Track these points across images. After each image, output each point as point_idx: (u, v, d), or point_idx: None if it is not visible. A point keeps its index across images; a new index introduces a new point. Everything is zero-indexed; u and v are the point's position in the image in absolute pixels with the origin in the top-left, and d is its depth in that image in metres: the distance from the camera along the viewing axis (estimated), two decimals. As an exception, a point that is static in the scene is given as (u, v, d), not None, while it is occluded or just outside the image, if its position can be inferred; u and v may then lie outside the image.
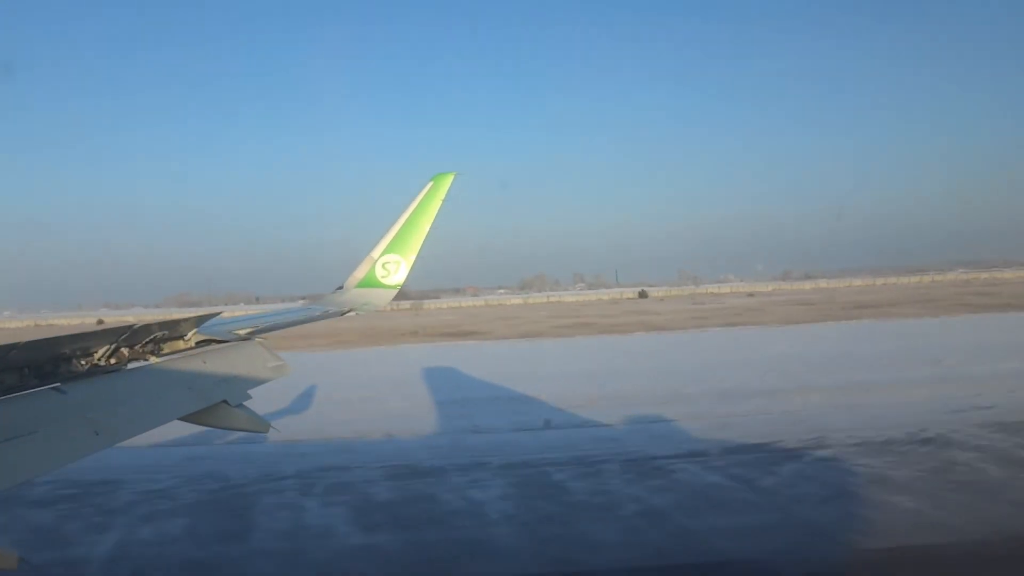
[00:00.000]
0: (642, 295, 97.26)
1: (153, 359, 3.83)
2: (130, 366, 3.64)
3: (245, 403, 4.19)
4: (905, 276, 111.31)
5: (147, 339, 3.79)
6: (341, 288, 7.44)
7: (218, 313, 4.44)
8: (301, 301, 8.24)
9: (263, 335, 5.05)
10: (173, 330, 4.03)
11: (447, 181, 7.32)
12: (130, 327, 3.52)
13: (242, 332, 4.89)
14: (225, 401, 3.99)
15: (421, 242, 7.31)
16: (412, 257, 7.33)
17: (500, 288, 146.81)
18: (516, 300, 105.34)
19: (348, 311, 6.89)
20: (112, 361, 3.51)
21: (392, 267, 7.35)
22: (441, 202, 7.27)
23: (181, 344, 4.24)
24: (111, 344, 3.45)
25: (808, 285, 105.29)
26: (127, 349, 3.64)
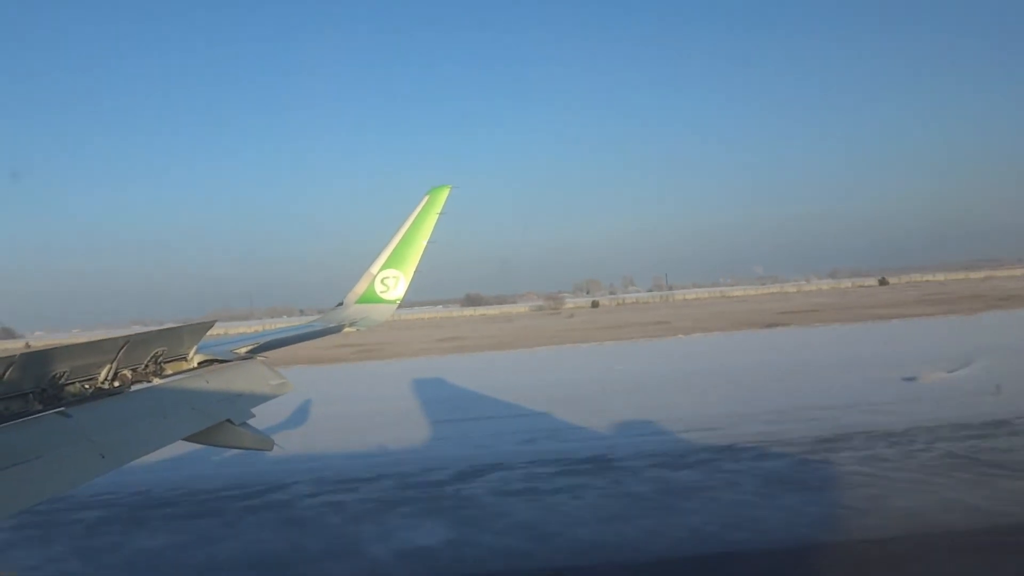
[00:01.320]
0: (882, 283, 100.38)
1: (156, 380, 3.86)
2: (134, 388, 3.67)
3: (248, 421, 4.22)
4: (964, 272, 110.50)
5: (147, 356, 3.81)
6: (341, 304, 7.47)
7: (213, 323, 4.46)
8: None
9: (264, 353, 5.09)
10: (171, 345, 4.05)
11: (443, 194, 7.37)
12: (127, 340, 3.54)
13: (243, 351, 4.92)
14: (229, 420, 4.02)
15: (419, 256, 7.34)
16: (411, 272, 7.36)
17: (561, 292, 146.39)
18: (741, 292, 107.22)
19: (347, 326, 6.91)
20: (116, 384, 3.54)
21: (391, 282, 7.39)
22: (437, 215, 7.31)
23: (184, 364, 4.26)
24: (110, 359, 3.47)
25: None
26: (130, 371, 3.67)
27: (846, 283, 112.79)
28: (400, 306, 7.55)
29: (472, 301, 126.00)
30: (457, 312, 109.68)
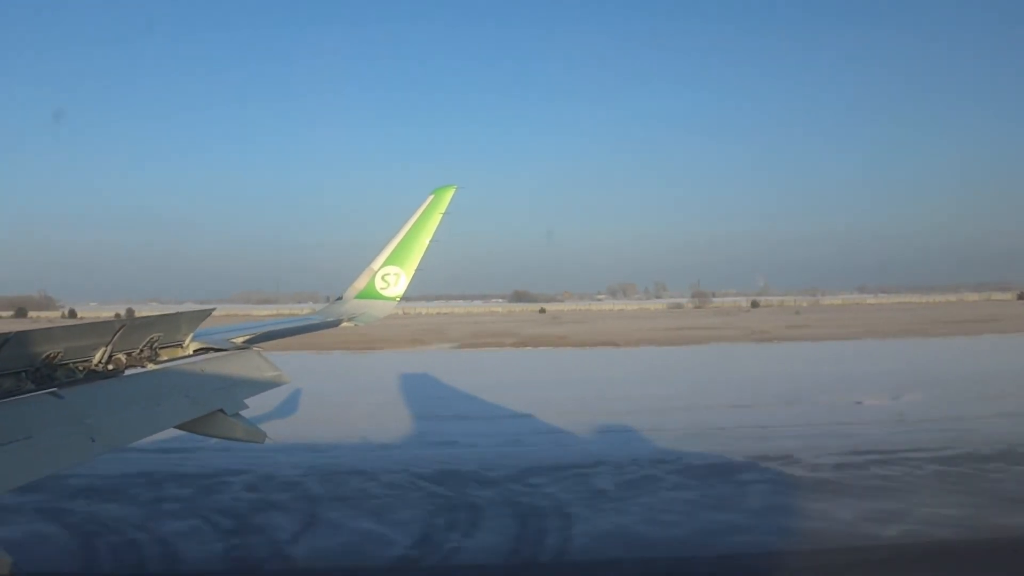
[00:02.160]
0: (1022, 297, 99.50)
1: (151, 366, 3.84)
2: (128, 372, 3.65)
3: (241, 412, 4.19)
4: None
5: (143, 341, 3.79)
6: (341, 298, 7.47)
7: (212, 310, 4.43)
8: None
9: (260, 344, 5.07)
10: (168, 331, 4.02)
11: (448, 195, 7.36)
12: (123, 323, 3.52)
13: (240, 340, 4.90)
14: (222, 410, 3.99)
15: (421, 255, 7.34)
16: (412, 269, 7.36)
17: (599, 294, 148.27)
18: (874, 300, 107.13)
19: (345, 321, 6.91)
20: (110, 367, 3.51)
21: (392, 279, 7.38)
22: (441, 215, 7.31)
23: (179, 351, 4.24)
24: (106, 342, 3.44)
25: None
26: (125, 355, 3.65)
27: (971, 296, 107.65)
28: (404, 300, 7.53)
29: (519, 297, 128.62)
30: (556, 307, 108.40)
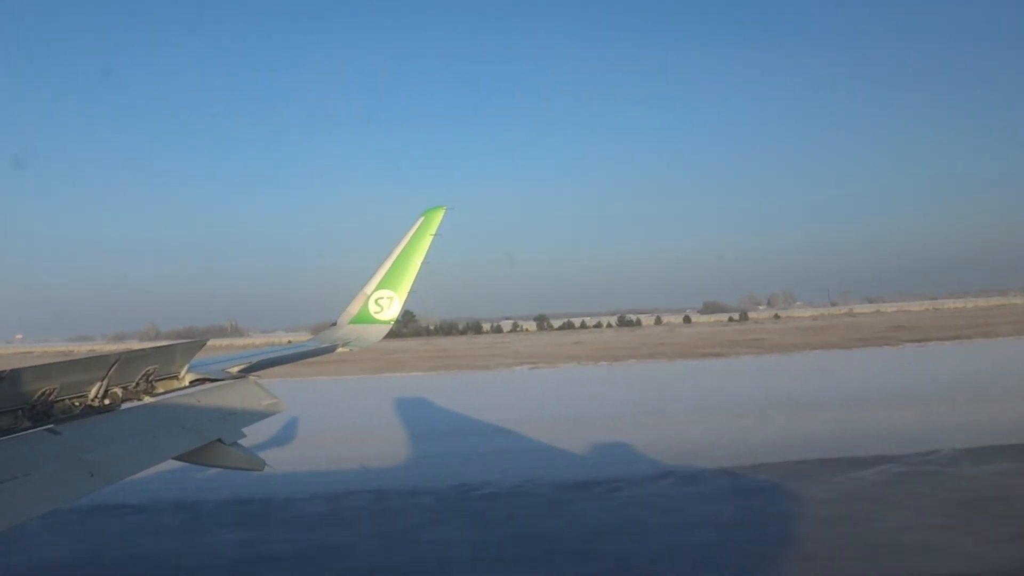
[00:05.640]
0: None
1: (147, 398, 3.84)
2: (124, 406, 3.64)
3: (239, 441, 4.19)
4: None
5: (139, 374, 3.79)
6: (335, 324, 7.47)
7: (206, 341, 4.44)
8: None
9: (256, 372, 5.07)
10: (163, 363, 4.03)
11: (438, 215, 7.41)
12: (118, 357, 3.53)
13: (235, 370, 4.90)
14: (220, 440, 3.99)
15: (414, 277, 7.36)
16: (405, 292, 7.38)
17: (760, 306, 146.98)
18: None
19: (340, 346, 6.91)
20: (106, 401, 3.51)
21: (385, 303, 7.39)
22: (432, 236, 7.35)
23: (175, 383, 4.24)
24: (101, 377, 3.45)
25: None
26: (121, 389, 3.65)
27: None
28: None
29: (710, 308, 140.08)
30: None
